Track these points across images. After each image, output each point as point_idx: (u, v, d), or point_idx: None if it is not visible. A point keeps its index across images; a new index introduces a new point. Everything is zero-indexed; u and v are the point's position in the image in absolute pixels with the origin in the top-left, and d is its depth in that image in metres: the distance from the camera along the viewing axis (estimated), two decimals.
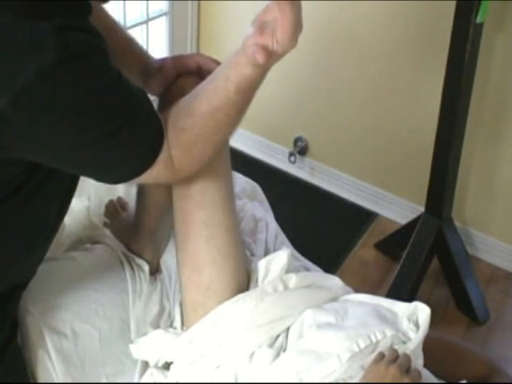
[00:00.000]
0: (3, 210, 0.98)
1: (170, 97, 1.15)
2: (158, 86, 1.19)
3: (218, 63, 1.14)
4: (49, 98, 0.84)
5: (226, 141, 1.17)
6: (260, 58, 0.91)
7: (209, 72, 1.09)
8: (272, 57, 0.92)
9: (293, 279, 1.19)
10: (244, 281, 1.20)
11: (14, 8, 0.81)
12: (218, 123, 1.01)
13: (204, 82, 1.03)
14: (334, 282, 1.26)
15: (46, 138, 0.89)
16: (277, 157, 2.50)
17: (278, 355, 1.12)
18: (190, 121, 1.00)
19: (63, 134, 0.89)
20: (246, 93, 0.98)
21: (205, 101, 0.99)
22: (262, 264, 1.20)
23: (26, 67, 0.81)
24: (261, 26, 0.93)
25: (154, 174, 1.00)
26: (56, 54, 0.82)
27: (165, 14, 2.41)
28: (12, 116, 0.83)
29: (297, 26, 0.91)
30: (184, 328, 1.22)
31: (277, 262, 1.19)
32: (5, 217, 0.99)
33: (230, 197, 1.20)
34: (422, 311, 1.11)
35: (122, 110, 0.92)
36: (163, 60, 1.22)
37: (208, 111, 0.99)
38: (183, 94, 1.08)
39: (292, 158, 2.46)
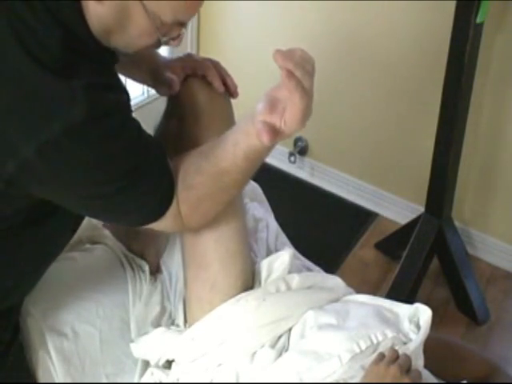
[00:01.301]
0: (16, 234, 1.00)
1: (179, 99, 1.18)
2: (166, 87, 1.19)
3: (223, 75, 1.18)
4: (73, 153, 0.88)
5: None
6: (265, 138, 0.92)
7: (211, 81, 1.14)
8: (278, 136, 0.93)
9: (295, 279, 1.19)
10: (249, 280, 1.20)
11: (50, 64, 0.85)
12: (224, 185, 1.03)
13: (215, 141, 1.04)
14: (336, 282, 1.26)
15: (64, 188, 0.93)
16: (277, 157, 2.50)
17: (279, 356, 1.12)
18: (199, 179, 1.02)
19: (81, 186, 0.93)
20: (254, 160, 1.00)
21: (213, 162, 1.02)
22: (264, 264, 1.21)
23: (54, 121, 0.84)
24: (272, 103, 0.93)
25: (161, 226, 1.03)
26: (85, 112, 0.85)
27: None
28: (35, 164, 0.86)
29: (306, 113, 0.93)
30: (187, 325, 1.22)
31: (279, 262, 1.20)
32: (18, 240, 1.02)
33: (238, 197, 1.21)
34: (423, 313, 1.11)
35: (139, 164, 0.95)
36: (173, 61, 1.23)
37: (216, 173, 1.01)
38: (191, 95, 1.09)
39: (292, 158, 2.46)
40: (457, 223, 2.06)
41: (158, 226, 1.03)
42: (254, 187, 1.64)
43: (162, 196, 1.00)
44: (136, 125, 0.96)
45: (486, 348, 1.92)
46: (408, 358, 1.03)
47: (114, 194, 0.94)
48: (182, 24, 0.95)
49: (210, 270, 1.16)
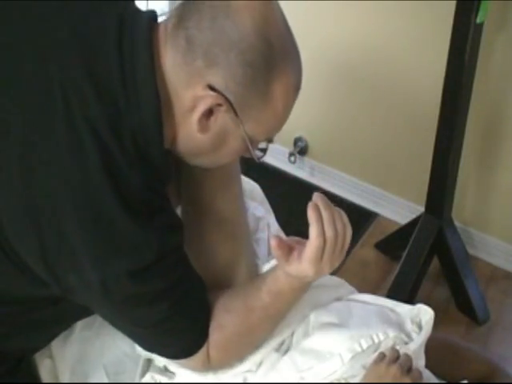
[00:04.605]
0: (38, 309, 0.99)
1: None
2: None
3: None
4: (133, 291, 0.89)
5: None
6: (275, 244, 0.92)
7: None
8: (289, 260, 0.93)
9: None
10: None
11: (131, 203, 0.85)
12: (252, 325, 1.03)
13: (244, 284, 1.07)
14: (338, 281, 1.26)
15: (111, 312, 0.95)
16: (277, 157, 2.50)
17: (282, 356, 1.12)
18: (228, 317, 1.02)
19: (129, 316, 0.94)
20: (278, 297, 1.00)
21: (241, 299, 1.03)
22: (265, 269, 1.20)
23: (124, 260, 0.85)
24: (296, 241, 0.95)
25: (189, 365, 1.04)
26: (152, 258, 0.87)
27: (165, 13, 2.42)
28: (94, 288, 0.87)
29: (319, 256, 0.92)
30: None
31: None
32: (38, 315, 1.01)
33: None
34: (425, 313, 1.11)
35: (183, 299, 0.95)
36: None
37: (243, 310, 1.02)
38: None
39: (292, 158, 2.46)
40: (457, 223, 2.06)
41: (185, 364, 1.03)
42: (253, 187, 1.63)
43: (199, 332, 1.00)
44: (186, 258, 0.97)
45: (486, 348, 1.92)
46: (409, 358, 1.03)
47: (153, 325, 0.95)
48: (271, 139, 0.97)
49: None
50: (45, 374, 1.18)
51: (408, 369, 1.01)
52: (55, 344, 1.19)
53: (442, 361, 1.22)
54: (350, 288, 1.27)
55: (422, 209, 2.03)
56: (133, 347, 1.21)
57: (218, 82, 0.84)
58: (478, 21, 1.64)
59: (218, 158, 0.96)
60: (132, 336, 1.02)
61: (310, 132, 2.39)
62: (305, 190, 2.48)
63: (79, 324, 1.21)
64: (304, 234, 0.95)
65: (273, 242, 0.93)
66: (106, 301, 0.90)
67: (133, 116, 0.85)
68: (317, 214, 0.90)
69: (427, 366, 1.12)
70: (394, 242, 2.18)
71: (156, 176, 0.91)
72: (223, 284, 1.10)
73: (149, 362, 1.22)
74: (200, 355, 1.01)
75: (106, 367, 1.19)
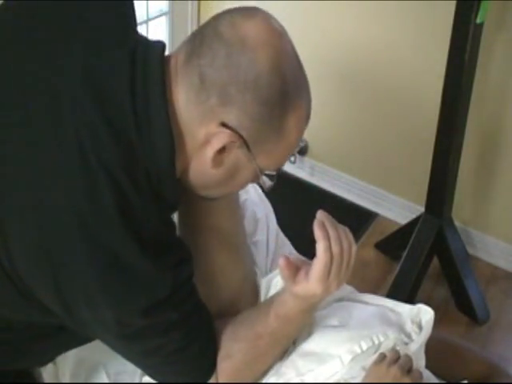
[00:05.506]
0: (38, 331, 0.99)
1: None
2: None
3: None
4: (144, 325, 0.88)
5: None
6: (283, 264, 0.92)
7: None
8: (297, 280, 0.93)
9: None
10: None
11: (144, 241, 0.84)
12: (260, 351, 1.02)
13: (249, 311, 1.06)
14: None
15: (121, 348, 0.96)
16: None
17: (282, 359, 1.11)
18: (236, 346, 1.01)
19: (138, 348, 0.94)
20: (285, 319, 0.99)
21: (248, 326, 1.02)
22: (263, 283, 1.20)
23: (135, 299, 0.85)
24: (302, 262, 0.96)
25: None
26: (167, 293, 0.87)
27: (165, 13, 2.41)
28: (110, 325, 0.87)
29: (326, 273, 0.92)
30: None
31: (278, 280, 1.18)
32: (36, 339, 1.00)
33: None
34: (425, 313, 1.10)
35: (194, 329, 0.95)
36: None
37: (251, 337, 1.01)
38: None
39: (292, 158, 2.43)
40: (457, 223, 2.06)
41: None
42: (253, 186, 1.63)
43: (208, 362, 1.00)
44: (195, 287, 0.97)
45: (486, 348, 1.92)
46: (409, 359, 1.03)
47: (167, 356, 0.95)
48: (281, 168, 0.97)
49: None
50: (46, 376, 1.18)
51: (408, 369, 1.01)
52: None
53: (441, 361, 1.22)
54: (349, 288, 1.27)
55: (422, 209, 2.03)
56: None
57: (232, 119, 0.84)
58: (478, 21, 1.64)
59: (227, 189, 0.96)
60: (144, 367, 1.01)
61: (310, 132, 2.37)
62: (305, 190, 2.48)
63: None
64: (304, 233, 0.95)
65: (281, 262, 0.93)
66: (120, 336, 0.90)
67: (146, 154, 0.85)
68: (323, 231, 0.91)
69: (427, 366, 1.12)
70: (394, 242, 2.18)
71: (168, 209, 0.92)
72: (230, 302, 1.11)
73: None
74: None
75: (107, 367, 1.19)
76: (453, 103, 1.79)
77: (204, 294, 1.00)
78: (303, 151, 2.46)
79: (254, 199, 1.55)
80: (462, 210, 2.18)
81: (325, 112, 2.27)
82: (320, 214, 0.93)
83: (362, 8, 2.07)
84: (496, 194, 2.14)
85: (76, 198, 0.83)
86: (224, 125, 0.84)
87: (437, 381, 1.17)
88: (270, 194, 1.63)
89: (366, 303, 1.19)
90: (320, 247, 0.90)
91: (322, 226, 0.91)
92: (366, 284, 2.04)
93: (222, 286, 1.11)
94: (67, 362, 1.18)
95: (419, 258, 1.99)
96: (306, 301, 0.96)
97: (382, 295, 1.30)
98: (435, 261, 2.06)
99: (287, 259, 0.93)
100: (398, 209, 2.33)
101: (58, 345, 1.05)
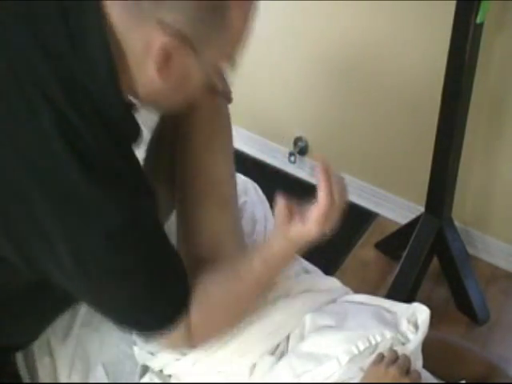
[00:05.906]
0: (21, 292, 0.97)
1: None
2: None
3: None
4: (105, 263, 0.86)
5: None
6: (282, 204, 0.94)
7: None
8: (293, 224, 0.95)
9: (293, 289, 1.19)
10: None
11: (94, 168, 0.83)
12: (239, 294, 1.01)
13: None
14: (333, 283, 1.26)
15: (84, 291, 0.92)
16: (277, 157, 2.50)
17: (278, 360, 1.11)
18: (215, 285, 0.99)
19: (103, 291, 0.91)
20: (271, 264, 0.99)
21: (230, 265, 1.01)
22: None
23: (88, 226, 0.83)
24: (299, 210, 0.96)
25: (169, 341, 0.98)
26: (122, 221, 0.85)
27: None
28: (66, 262, 0.84)
29: (328, 216, 0.97)
30: None
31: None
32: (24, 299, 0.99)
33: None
34: (421, 312, 1.10)
35: (161, 270, 0.93)
36: None
37: (231, 277, 1.00)
38: None
39: (292, 158, 2.46)
40: (457, 223, 2.06)
41: (166, 341, 0.98)
42: (254, 187, 1.63)
43: (175, 301, 0.96)
44: (161, 228, 0.95)
45: (486, 348, 1.92)
46: (408, 359, 1.03)
47: (132, 297, 0.93)
48: (234, 62, 0.92)
49: None
50: (43, 371, 1.18)
51: (407, 370, 1.01)
52: (54, 341, 1.19)
53: (441, 361, 1.22)
54: (345, 289, 1.27)
55: (422, 209, 2.03)
56: (132, 347, 1.21)
57: (168, 17, 0.80)
58: (478, 21, 1.63)
59: (183, 96, 0.92)
60: (110, 313, 0.97)
61: (310, 132, 2.39)
62: (305, 190, 2.46)
63: (78, 321, 1.22)
64: None
65: (279, 202, 0.95)
66: (80, 275, 0.87)
67: (83, 71, 0.82)
68: (327, 175, 0.95)
69: (426, 365, 1.11)
70: (394, 242, 2.18)
71: (118, 135, 0.88)
72: (213, 250, 1.08)
73: (146, 368, 1.22)
74: (180, 328, 0.96)
75: (106, 367, 1.19)
76: (453, 103, 1.79)
77: (186, 248, 1.00)
78: (303, 151, 2.46)
79: (254, 200, 1.56)
80: (462, 210, 2.18)
81: (325, 112, 2.27)
82: (322, 161, 0.97)
83: (362, 8, 2.07)
84: (496, 194, 2.13)
85: (15, 125, 0.81)
86: (160, 23, 0.80)
87: (435, 381, 1.17)
88: (270, 194, 1.63)
89: (362, 303, 1.19)
90: (322, 190, 0.94)
91: (326, 171, 0.94)
92: (366, 284, 2.04)
93: (205, 237, 1.09)
94: (65, 357, 1.18)
95: (419, 258, 1.98)
96: (297, 244, 0.97)
97: (381, 295, 1.30)
98: (435, 261, 2.06)
99: (285, 200, 0.95)
100: (398, 209, 2.33)
101: (34, 312, 1.03)
